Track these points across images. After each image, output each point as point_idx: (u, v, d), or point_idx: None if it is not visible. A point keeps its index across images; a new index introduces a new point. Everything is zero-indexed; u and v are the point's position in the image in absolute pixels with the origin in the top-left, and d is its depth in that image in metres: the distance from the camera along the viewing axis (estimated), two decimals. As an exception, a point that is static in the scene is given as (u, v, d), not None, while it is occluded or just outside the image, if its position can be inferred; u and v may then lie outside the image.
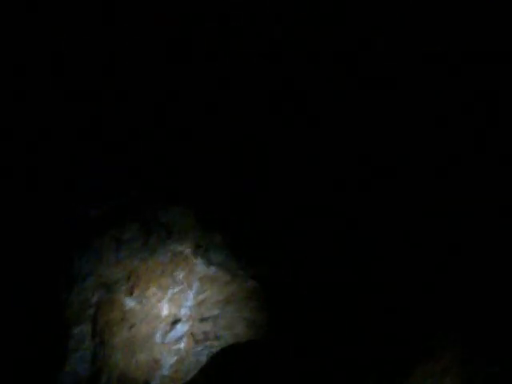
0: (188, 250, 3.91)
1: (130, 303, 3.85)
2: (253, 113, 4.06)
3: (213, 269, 3.95)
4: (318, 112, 4.04)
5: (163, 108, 3.91)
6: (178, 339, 3.97)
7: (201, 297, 3.95)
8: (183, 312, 3.94)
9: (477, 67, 3.64)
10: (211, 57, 3.91)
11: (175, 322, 3.94)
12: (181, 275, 3.89)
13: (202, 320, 3.98)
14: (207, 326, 4.00)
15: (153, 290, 3.88)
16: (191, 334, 3.99)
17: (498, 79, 3.64)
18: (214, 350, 4.10)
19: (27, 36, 3.50)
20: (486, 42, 3.59)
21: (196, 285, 3.92)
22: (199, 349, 4.04)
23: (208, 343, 4.02)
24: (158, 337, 3.93)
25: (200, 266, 3.92)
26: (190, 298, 3.93)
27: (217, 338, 4.02)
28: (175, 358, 3.98)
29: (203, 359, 4.09)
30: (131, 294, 3.84)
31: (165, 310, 3.90)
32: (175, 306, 3.93)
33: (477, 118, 3.81)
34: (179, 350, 3.99)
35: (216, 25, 3.80)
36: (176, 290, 3.90)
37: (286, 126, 4.08)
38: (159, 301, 3.90)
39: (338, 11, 3.72)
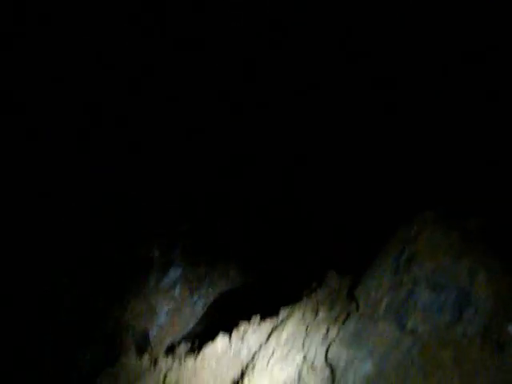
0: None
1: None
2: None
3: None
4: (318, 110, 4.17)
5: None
6: (173, 285, 4.00)
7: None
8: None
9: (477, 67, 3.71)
10: (212, 58, 4.17)
11: (167, 264, 4.01)
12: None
13: (194, 264, 4.03)
14: (201, 271, 4.03)
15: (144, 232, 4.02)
16: (185, 280, 4.02)
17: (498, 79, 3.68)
18: (210, 300, 4.07)
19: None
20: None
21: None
22: (194, 299, 4.03)
23: (203, 291, 4.02)
24: (152, 282, 3.99)
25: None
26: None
27: (211, 284, 4.02)
28: (171, 305, 3.97)
29: (199, 310, 4.06)
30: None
31: (156, 252, 4.00)
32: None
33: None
34: (173, 297, 4.00)
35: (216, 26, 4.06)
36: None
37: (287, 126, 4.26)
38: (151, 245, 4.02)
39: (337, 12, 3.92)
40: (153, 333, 3.95)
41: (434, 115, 3.89)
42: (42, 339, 3.75)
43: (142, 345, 3.94)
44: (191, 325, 4.04)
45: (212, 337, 3.37)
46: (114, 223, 4.04)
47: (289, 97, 4.22)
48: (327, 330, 2.85)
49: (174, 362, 3.43)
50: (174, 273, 3.99)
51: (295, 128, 4.26)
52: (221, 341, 3.31)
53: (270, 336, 3.10)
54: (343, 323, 2.82)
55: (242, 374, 3.02)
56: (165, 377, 3.34)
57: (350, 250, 3.38)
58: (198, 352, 3.33)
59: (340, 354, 2.68)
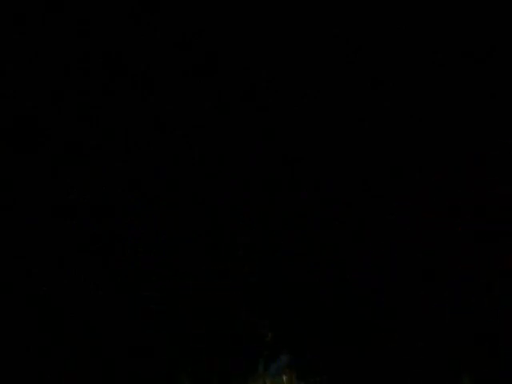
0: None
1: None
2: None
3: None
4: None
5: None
6: (280, 371, 3.92)
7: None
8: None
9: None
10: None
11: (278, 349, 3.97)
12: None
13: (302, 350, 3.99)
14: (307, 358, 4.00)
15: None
16: (292, 366, 3.96)
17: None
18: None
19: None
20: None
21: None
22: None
23: (311, 380, 3.97)
24: (261, 365, 3.93)
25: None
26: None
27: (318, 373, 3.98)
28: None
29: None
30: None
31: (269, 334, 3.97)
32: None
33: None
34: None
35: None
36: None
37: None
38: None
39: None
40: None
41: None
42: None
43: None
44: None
45: None
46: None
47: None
48: None
49: None
50: (284, 359, 3.92)
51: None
52: None
53: None
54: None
55: None
56: None
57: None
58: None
59: None
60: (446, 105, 4.11)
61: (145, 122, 4.21)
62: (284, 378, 3.79)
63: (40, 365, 3.64)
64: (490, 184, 3.90)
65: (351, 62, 4.09)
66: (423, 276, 3.93)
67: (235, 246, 4.09)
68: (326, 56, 4.11)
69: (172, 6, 4.10)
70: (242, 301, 3.99)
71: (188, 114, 4.23)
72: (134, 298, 3.89)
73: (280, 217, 4.17)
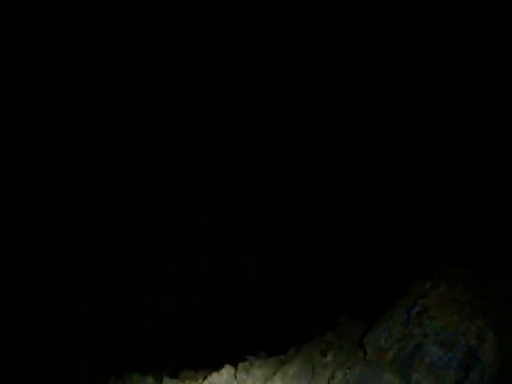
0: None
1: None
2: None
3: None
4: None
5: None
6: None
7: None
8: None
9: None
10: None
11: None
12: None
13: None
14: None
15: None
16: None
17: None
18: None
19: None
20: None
21: None
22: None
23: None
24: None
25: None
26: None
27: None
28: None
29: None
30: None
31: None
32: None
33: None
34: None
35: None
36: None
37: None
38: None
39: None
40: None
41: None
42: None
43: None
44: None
45: (217, 367, 3.41)
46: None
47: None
48: (333, 374, 2.88)
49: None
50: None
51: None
52: (226, 372, 3.34)
53: (276, 372, 3.14)
54: (349, 368, 2.85)
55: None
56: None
57: (363, 297, 3.43)
58: (202, 381, 3.36)
59: (343, 400, 2.70)
60: (446, 105, 4.06)
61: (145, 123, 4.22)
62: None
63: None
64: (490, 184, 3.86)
65: (352, 62, 4.00)
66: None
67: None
68: (327, 56, 4.04)
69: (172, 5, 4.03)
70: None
71: (188, 114, 4.25)
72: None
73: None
